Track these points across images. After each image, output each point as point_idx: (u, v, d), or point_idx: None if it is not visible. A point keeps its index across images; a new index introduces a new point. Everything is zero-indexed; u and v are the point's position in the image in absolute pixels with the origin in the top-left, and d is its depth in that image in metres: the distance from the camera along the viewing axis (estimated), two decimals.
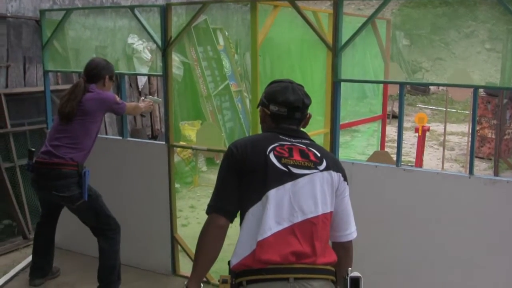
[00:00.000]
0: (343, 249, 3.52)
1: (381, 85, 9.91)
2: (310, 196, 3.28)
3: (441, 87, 21.47)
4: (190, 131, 11.63)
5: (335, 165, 3.45)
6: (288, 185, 3.26)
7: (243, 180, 3.32)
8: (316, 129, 8.40)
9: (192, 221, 8.77)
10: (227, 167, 3.40)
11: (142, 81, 11.61)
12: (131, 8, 6.60)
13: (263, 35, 6.20)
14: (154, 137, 11.92)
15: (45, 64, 7.27)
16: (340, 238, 3.52)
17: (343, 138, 13.77)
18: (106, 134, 10.46)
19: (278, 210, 3.21)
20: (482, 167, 12.91)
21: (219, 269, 6.83)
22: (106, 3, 10.47)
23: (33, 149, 6.26)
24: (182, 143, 10.31)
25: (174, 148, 6.81)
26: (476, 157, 13.43)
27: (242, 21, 14.58)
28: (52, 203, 6.28)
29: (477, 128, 13.28)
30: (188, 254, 6.69)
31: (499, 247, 4.94)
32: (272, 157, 3.32)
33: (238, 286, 3.24)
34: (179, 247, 6.75)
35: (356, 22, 5.57)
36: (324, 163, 3.38)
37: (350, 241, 3.55)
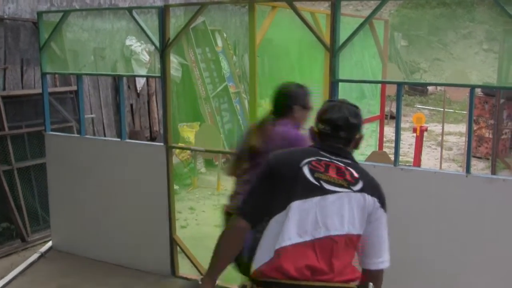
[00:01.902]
0: (371, 278, 3.40)
1: (379, 86, 9.91)
2: (336, 214, 3.22)
3: (439, 88, 21.48)
4: (188, 132, 11.63)
5: (372, 189, 3.36)
6: (316, 199, 3.23)
7: (273, 188, 3.32)
8: None
9: (191, 223, 8.77)
10: (262, 173, 3.45)
11: (140, 82, 11.61)
12: (129, 9, 6.61)
13: (261, 36, 6.20)
14: (152, 138, 11.91)
15: (42, 66, 7.27)
16: (370, 265, 3.41)
17: None
18: (105, 135, 10.46)
19: (301, 222, 3.19)
20: (479, 167, 12.92)
21: None
22: (104, 4, 10.46)
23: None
24: (180, 144, 10.31)
25: (173, 149, 6.81)
26: (474, 157, 13.43)
27: (241, 22, 14.58)
28: None
29: (475, 128, 13.29)
30: (187, 256, 6.70)
31: (496, 245, 4.96)
32: (305, 169, 3.30)
33: None
34: (178, 248, 6.75)
35: (354, 23, 5.58)
36: (360, 185, 3.31)
37: (381, 270, 3.43)
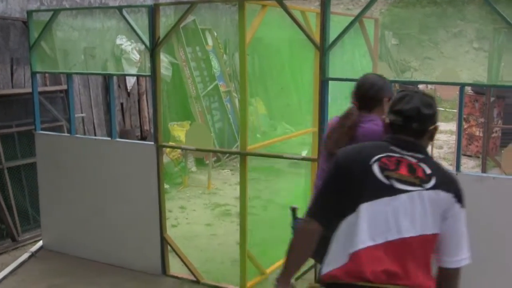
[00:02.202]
0: (448, 276, 3.26)
1: None
2: (409, 215, 3.09)
3: (429, 86, 21.51)
4: (179, 131, 11.62)
5: (446, 185, 3.19)
6: (387, 199, 3.11)
7: (343, 187, 3.23)
8: (305, 128, 8.41)
9: (181, 222, 8.77)
10: (331, 172, 3.36)
11: (130, 82, 11.60)
12: (119, 8, 6.59)
13: (251, 35, 6.19)
14: (143, 138, 11.91)
15: (32, 66, 7.25)
16: (446, 263, 3.24)
17: None
18: (95, 135, 10.44)
19: (373, 224, 3.09)
20: (470, 165, 12.95)
21: (209, 269, 6.88)
22: (94, 3, 10.45)
23: (296, 207, 5.27)
24: (171, 143, 10.30)
25: (163, 148, 6.80)
26: (464, 155, 13.48)
27: (231, 21, 14.58)
28: None
29: (465, 127, 13.33)
30: (178, 255, 6.70)
31: (487, 243, 4.97)
32: (375, 167, 3.18)
33: None
34: (168, 247, 6.74)
35: (345, 21, 5.57)
36: (432, 182, 3.16)
37: (458, 269, 3.25)
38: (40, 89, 8.03)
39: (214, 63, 13.11)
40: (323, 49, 5.48)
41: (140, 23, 7.71)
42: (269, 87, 14.41)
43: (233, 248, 7.27)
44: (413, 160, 3.23)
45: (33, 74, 7.29)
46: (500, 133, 13.53)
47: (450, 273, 3.26)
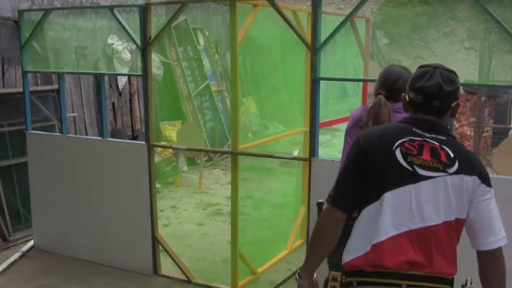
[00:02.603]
0: (487, 259, 3.15)
1: (361, 84, 9.93)
2: (432, 202, 3.02)
3: None
4: (170, 131, 11.63)
5: (469, 168, 3.10)
6: (410, 187, 3.03)
7: (365, 173, 3.13)
8: (297, 128, 8.42)
9: (173, 221, 8.77)
10: (352, 157, 3.22)
11: (122, 81, 11.60)
12: (110, 8, 6.59)
13: (242, 35, 6.20)
14: (134, 137, 11.90)
15: (24, 65, 7.24)
16: (483, 246, 3.13)
17: (324, 137, 13.82)
18: (87, 134, 10.44)
19: (396, 213, 3.03)
20: None
21: (201, 269, 6.89)
22: (85, 3, 10.45)
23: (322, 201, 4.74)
24: (162, 143, 10.30)
25: (155, 148, 6.80)
26: None
27: (222, 21, 14.59)
28: None
29: (456, 126, 13.35)
30: (169, 254, 6.70)
31: None
32: (398, 153, 3.08)
33: (347, 285, 3.14)
34: (160, 247, 6.74)
35: (337, 21, 5.58)
36: (456, 166, 3.07)
37: (495, 250, 3.12)
38: (32, 88, 8.01)
39: (206, 63, 13.11)
40: (315, 48, 5.48)
41: (132, 22, 7.72)
42: (261, 87, 14.43)
43: (225, 248, 7.28)
44: (436, 143, 3.12)
45: (24, 73, 7.28)
46: (491, 133, 13.56)
47: (489, 255, 3.14)
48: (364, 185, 3.13)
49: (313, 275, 3.31)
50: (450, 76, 3.19)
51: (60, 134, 7.48)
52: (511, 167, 6.41)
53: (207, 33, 13.60)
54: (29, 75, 7.51)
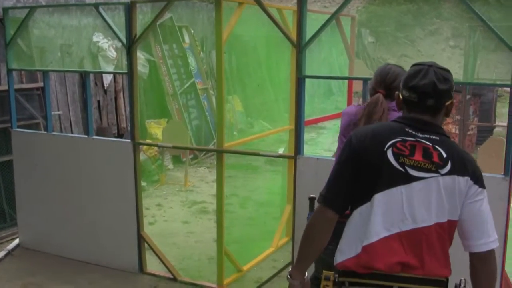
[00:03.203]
0: (479, 261, 3.12)
1: (347, 82, 9.96)
2: (424, 203, 3.01)
3: None
4: (156, 129, 11.62)
5: (462, 168, 3.07)
6: (402, 188, 3.02)
7: (357, 173, 3.11)
8: (282, 126, 8.43)
9: (159, 219, 8.76)
10: (344, 157, 3.19)
11: (107, 79, 11.58)
12: (96, 6, 6.57)
13: (228, 33, 6.21)
14: (120, 135, 11.89)
15: (9, 63, 7.22)
16: (474, 248, 3.11)
17: (309, 135, 13.84)
18: (72, 132, 10.42)
19: (387, 214, 3.01)
20: None
21: (186, 267, 6.89)
22: (70, 1, 10.43)
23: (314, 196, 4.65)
24: (148, 141, 10.29)
25: (140, 146, 6.80)
26: None
27: (208, 19, 14.59)
28: None
29: None
30: (155, 252, 6.69)
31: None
32: (389, 154, 3.06)
33: (340, 285, 3.12)
34: (145, 245, 6.74)
35: (322, 19, 5.58)
36: (448, 166, 3.04)
37: (486, 252, 3.10)
38: (16, 86, 7.99)
39: (191, 61, 13.11)
40: (300, 46, 5.49)
41: (117, 20, 7.72)
42: (247, 85, 14.44)
43: (210, 246, 7.28)
44: (429, 144, 3.09)
45: (9, 71, 7.26)
46: (476, 131, 13.62)
47: (481, 257, 3.12)
48: (356, 185, 3.11)
49: (305, 274, 3.30)
50: (444, 75, 3.16)
51: (45, 132, 7.46)
52: (495, 164, 6.44)
53: (192, 31, 13.60)
54: (14, 73, 7.50)
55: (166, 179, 10.91)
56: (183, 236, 8.06)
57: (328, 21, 5.47)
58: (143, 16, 11.42)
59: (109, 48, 11.26)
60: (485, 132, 13.31)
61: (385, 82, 4.42)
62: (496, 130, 14.12)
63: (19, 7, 8.65)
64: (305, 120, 5.79)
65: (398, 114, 4.14)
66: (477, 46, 14.87)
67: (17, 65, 7.67)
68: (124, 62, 6.88)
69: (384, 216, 3.01)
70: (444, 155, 3.07)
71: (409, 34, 24.96)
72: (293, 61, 6.12)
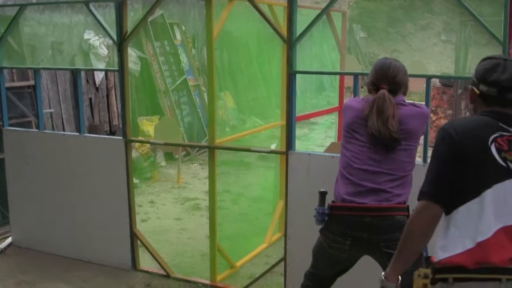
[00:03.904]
0: None
1: (338, 78, 9.97)
2: None
3: None
4: (148, 126, 11.62)
5: None
6: (508, 183, 2.99)
7: (459, 168, 3.05)
8: (274, 121, 8.43)
9: (151, 216, 8.76)
10: (445, 151, 3.12)
11: (99, 76, 11.57)
12: (86, 3, 6.56)
13: (218, 29, 6.20)
14: (112, 132, 11.88)
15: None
16: None
17: (301, 130, 13.85)
18: (64, 130, 10.40)
19: (497, 209, 2.97)
20: None
21: (179, 263, 6.89)
22: None
23: (325, 191, 4.53)
24: (140, 138, 10.28)
25: (132, 143, 6.79)
26: (432, 146, 13.61)
27: (199, 15, 14.58)
28: (348, 267, 4.59)
29: (433, 119, 13.45)
30: (147, 249, 6.69)
31: None
32: (493, 149, 3.03)
33: (438, 281, 3.06)
34: (138, 242, 6.74)
35: (314, 15, 5.57)
36: None
37: None
38: (8, 84, 7.98)
39: (183, 58, 13.11)
40: (291, 42, 5.49)
41: (108, 17, 7.70)
42: (238, 81, 14.45)
43: (203, 242, 7.29)
44: None
45: (0, 69, 7.24)
46: None
47: None
48: (463, 181, 3.06)
49: (399, 278, 3.26)
50: None
51: (37, 130, 7.44)
52: None
53: (184, 27, 13.60)
54: (5, 71, 7.47)
55: (158, 176, 10.91)
56: (176, 233, 8.06)
57: (318, 16, 5.48)
58: (134, 13, 11.40)
59: (100, 46, 11.25)
60: None
61: (388, 77, 4.37)
62: None
63: (9, 5, 8.62)
64: (297, 115, 5.80)
65: (407, 108, 4.29)
66: (469, 41, 14.90)
67: (8, 63, 7.65)
68: (116, 59, 6.87)
69: (495, 211, 2.98)
70: None
71: (400, 29, 24.99)
72: (284, 56, 6.12)
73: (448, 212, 3.10)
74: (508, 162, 3.02)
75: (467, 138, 3.08)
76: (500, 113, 3.13)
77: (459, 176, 3.05)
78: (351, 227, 4.22)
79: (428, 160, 4.92)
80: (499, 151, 3.03)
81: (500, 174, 3.01)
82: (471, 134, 3.09)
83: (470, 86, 3.29)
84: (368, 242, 4.19)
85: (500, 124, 3.10)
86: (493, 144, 3.04)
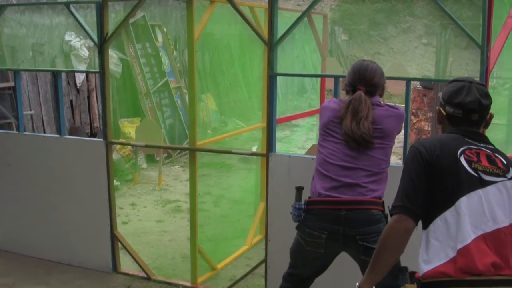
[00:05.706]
0: None
1: (320, 80, 10.00)
2: (500, 205, 3.09)
3: None
4: (129, 128, 11.59)
5: None
6: (480, 192, 3.09)
7: (431, 181, 3.16)
8: (256, 124, 8.44)
9: (132, 218, 8.75)
10: (416, 167, 3.21)
11: (80, 78, 11.54)
12: (67, 4, 6.54)
13: (200, 31, 6.21)
14: (93, 134, 11.86)
15: None
16: None
17: (282, 132, 13.86)
18: (44, 132, 10.36)
19: (472, 217, 3.05)
20: None
21: (160, 266, 6.88)
22: None
23: (301, 186, 4.58)
24: (120, 140, 10.26)
25: (113, 145, 6.78)
26: None
27: (181, 17, 14.57)
28: (325, 265, 4.61)
29: (414, 121, 13.50)
30: (128, 252, 6.67)
31: None
32: (463, 160, 3.15)
33: None
34: (119, 244, 6.72)
35: (295, 17, 5.60)
36: (511, 171, 3.19)
37: None
38: None
39: (164, 59, 13.10)
40: (271, 44, 5.50)
41: (89, 19, 7.69)
42: (220, 83, 14.47)
43: (184, 244, 7.28)
44: (489, 152, 3.24)
45: None
46: None
47: None
48: (434, 193, 3.16)
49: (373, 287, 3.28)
50: (485, 90, 3.34)
51: (17, 132, 7.42)
52: None
53: (165, 29, 13.59)
54: None
55: (140, 178, 10.89)
56: (157, 235, 8.05)
57: (299, 18, 5.49)
58: (115, 14, 11.39)
59: (81, 47, 11.22)
60: None
61: (365, 79, 4.46)
62: None
63: None
64: (279, 117, 5.82)
65: (382, 108, 4.38)
66: (449, 44, 14.99)
67: None
68: (97, 61, 6.85)
69: (470, 219, 3.05)
70: (505, 162, 3.22)
71: (382, 32, 25.08)
72: (265, 59, 6.13)
73: (425, 226, 3.19)
74: (479, 172, 3.13)
75: (437, 153, 3.19)
76: (466, 130, 3.30)
77: (432, 189, 3.16)
78: (327, 221, 4.27)
79: None
80: (469, 162, 3.16)
81: (472, 184, 3.11)
82: (440, 148, 3.21)
83: (437, 107, 3.45)
84: (344, 236, 4.23)
85: (466, 139, 3.26)
86: (462, 156, 3.17)
